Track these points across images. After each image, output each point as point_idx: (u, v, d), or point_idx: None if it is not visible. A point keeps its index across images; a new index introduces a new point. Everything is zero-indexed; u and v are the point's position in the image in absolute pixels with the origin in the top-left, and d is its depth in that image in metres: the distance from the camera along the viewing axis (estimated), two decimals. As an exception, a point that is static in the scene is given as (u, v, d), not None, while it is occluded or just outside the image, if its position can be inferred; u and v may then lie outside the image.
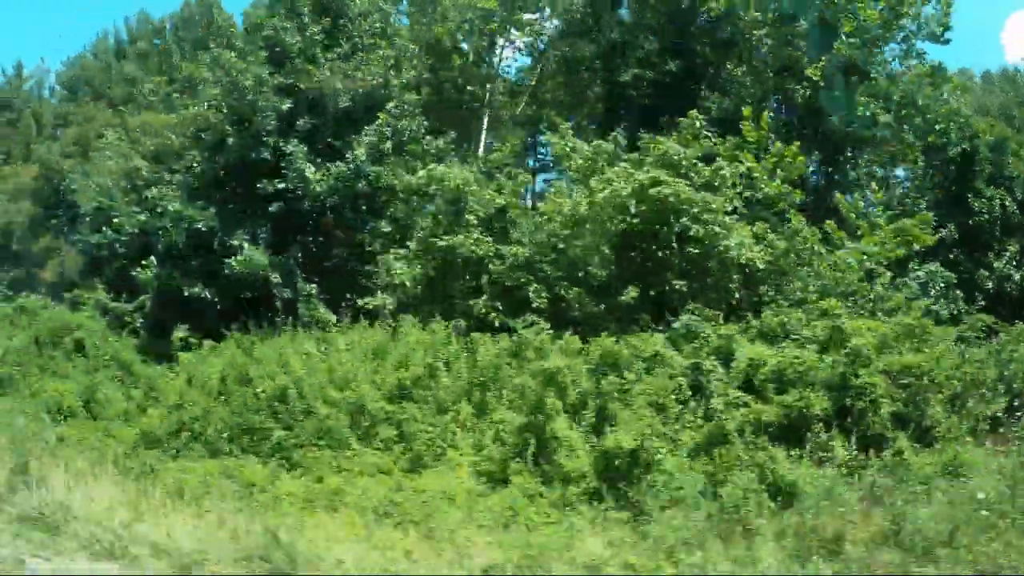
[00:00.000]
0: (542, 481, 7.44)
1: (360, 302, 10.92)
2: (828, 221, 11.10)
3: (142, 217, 12.18)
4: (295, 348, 9.49)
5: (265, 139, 11.07)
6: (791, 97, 13.10)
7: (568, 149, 10.71)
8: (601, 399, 8.10)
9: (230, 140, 11.14)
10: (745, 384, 8.31)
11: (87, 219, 13.88)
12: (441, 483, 7.60)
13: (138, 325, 11.69)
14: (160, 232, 11.66)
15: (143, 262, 11.30)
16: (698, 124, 10.65)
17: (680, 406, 8.08)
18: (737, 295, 10.36)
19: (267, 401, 8.48)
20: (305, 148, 11.06)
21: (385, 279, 11.07)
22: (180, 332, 10.50)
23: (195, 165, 11.70)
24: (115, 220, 12.48)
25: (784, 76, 13.33)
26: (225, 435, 8.26)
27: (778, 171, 11.23)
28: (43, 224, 15.70)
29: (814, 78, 12.96)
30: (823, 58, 12.76)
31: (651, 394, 8.11)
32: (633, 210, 9.63)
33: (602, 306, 9.79)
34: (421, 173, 10.85)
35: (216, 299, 10.75)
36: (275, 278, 10.55)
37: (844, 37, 13.02)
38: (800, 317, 9.38)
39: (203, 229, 10.95)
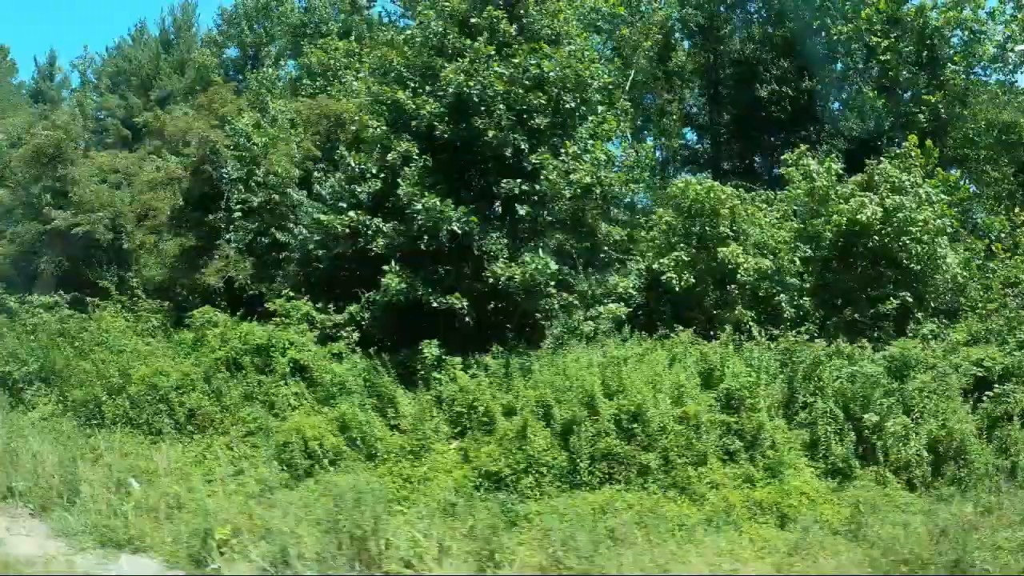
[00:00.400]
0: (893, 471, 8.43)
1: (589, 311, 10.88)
2: (997, 243, 13.12)
3: (352, 214, 10.75)
4: (592, 363, 9.35)
5: (502, 134, 10.45)
6: (913, 121, 15.08)
7: (809, 171, 11.61)
8: (912, 395, 9.21)
9: (490, 134, 10.29)
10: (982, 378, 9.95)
11: (238, 216, 11.95)
12: (800, 485, 8.22)
13: (354, 341, 10.25)
14: (371, 233, 10.51)
15: (385, 267, 10.07)
16: (915, 152, 12.09)
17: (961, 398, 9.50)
18: (932, 305, 12.02)
19: (612, 422, 8.36)
20: (576, 148, 10.70)
21: (611, 287, 11.17)
22: (432, 349, 9.65)
23: (416, 158, 10.61)
24: (322, 218, 10.85)
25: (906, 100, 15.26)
26: (583, 465, 8.00)
27: (941, 194, 13.03)
28: (182, 217, 13.08)
29: (935, 103, 15.01)
30: (942, 91, 14.95)
31: (942, 390, 9.42)
32: (884, 231, 10.83)
33: (859, 315, 10.86)
34: (678, 183, 11.08)
35: (465, 311, 9.93)
36: (552, 288, 10.14)
37: (950, 64, 15.31)
38: (1002, 323, 11.18)
39: (458, 231, 10.07)
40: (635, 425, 8.34)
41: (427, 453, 8.43)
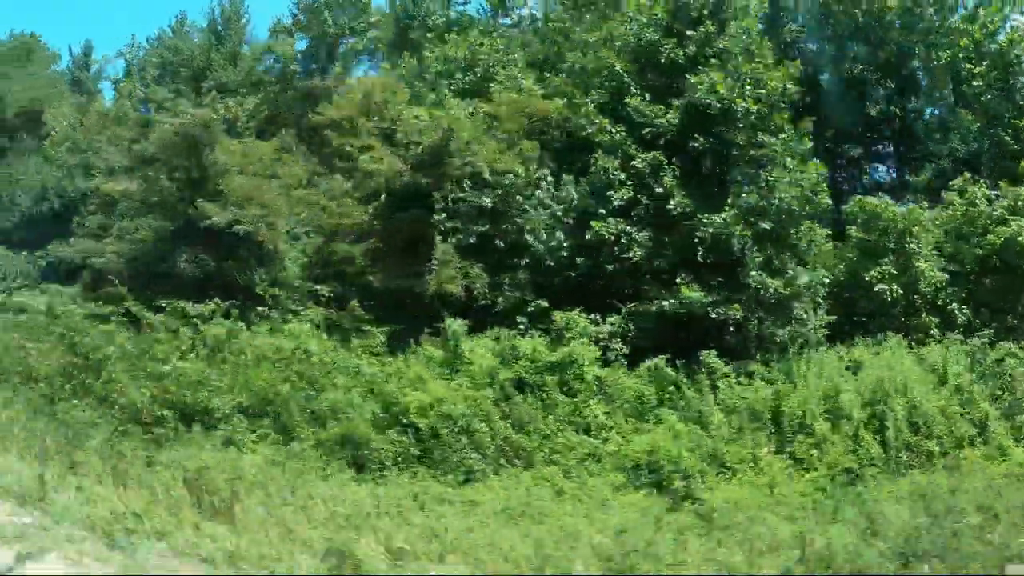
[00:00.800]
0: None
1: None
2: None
3: (611, 221, 11.64)
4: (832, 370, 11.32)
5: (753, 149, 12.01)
6: (1001, 143, 18.18)
7: (975, 197, 14.21)
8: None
9: (756, 152, 11.82)
10: None
11: (444, 216, 12.19)
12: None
13: (624, 353, 11.15)
14: (626, 241, 11.52)
15: (676, 279, 11.06)
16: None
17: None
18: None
19: (904, 417, 10.36)
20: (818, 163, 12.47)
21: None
22: (713, 359, 10.95)
23: (665, 168, 11.75)
24: (594, 224, 11.47)
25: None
26: (896, 455, 10.10)
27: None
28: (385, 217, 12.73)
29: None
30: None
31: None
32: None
33: (1017, 320, 13.71)
34: (874, 204, 13.25)
35: (737, 321, 11.29)
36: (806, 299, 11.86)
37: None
38: None
39: (735, 244, 11.35)
40: (918, 419, 10.38)
41: (757, 461, 9.84)
